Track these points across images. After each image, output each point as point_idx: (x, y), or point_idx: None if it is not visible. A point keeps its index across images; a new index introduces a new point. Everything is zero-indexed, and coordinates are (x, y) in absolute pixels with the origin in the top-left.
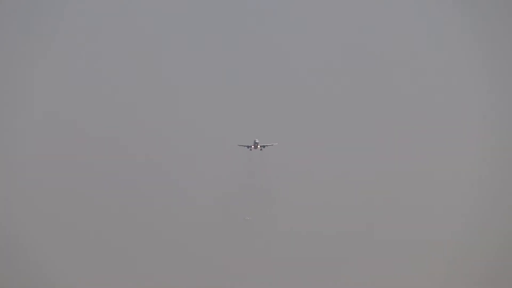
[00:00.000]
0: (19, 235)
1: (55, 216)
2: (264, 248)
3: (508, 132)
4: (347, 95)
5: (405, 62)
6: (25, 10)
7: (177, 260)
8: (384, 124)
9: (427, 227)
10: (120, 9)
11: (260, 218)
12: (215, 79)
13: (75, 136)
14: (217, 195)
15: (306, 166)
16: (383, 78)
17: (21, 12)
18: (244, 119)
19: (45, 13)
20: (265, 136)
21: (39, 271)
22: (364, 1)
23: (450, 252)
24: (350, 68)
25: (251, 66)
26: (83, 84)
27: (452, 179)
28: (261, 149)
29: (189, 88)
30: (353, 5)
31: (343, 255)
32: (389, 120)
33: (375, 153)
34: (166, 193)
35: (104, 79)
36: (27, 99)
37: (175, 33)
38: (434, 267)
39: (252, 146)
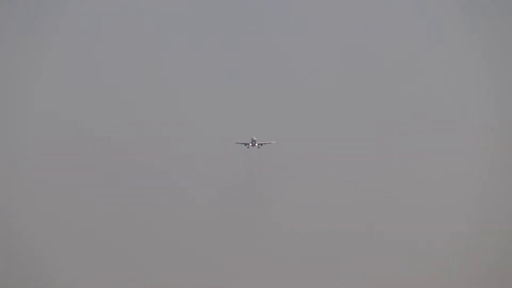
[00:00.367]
0: (19, 235)
1: (55, 216)
2: (263, 248)
3: (508, 132)
4: (347, 95)
5: (405, 62)
6: (25, 10)
7: (177, 260)
8: (383, 123)
9: (426, 227)
10: (120, 9)
11: (259, 217)
12: (215, 79)
13: (75, 136)
14: (217, 195)
15: (306, 166)
16: (383, 78)
17: (21, 12)
18: (244, 119)
19: (45, 13)
20: (265, 135)
21: (39, 270)
22: (364, 1)
23: (450, 252)
24: (350, 68)
25: (251, 66)
26: (83, 84)
27: (452, 179)
28: (258, 147)
29: (189, 88)
30: (353, 5)
31: (343, 255)
32: (389, 120)
33: (375, 152)
34: (166, 193)
35: (104, 79)
36: (27, 99)
37: (175, 33)
38: (434, 267)
39: (250, 144)
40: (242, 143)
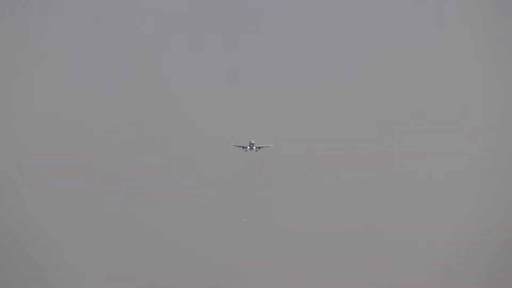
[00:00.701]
0: (19, 234)
1: (55, 216)
2: (263, 248)
3: (509, 132)
4: (346, 95)
5: (405, 62)
6: (25, 10)
7: (177, 260)
8: (383, 124)
9: (426, 227)
10: (120, 9)
11: (259, 218)
12: (215, 79)
13: (75, 136)
14: (217, 195)
15: (306, 166)
16: (383, 78)
17: (21, 12)
18: (244, 119)
19: (45, 13)
20: (265, 135)
21: (39, 270)
22: (364, 1)
23: (450, 252)
24: (350, 68)
25: (251, 66)
26: (83, 84)
27: (452, 179)
28: (256, 150)
29: (189, 88)
30: (353, 5)
31: (343, 255)
32: (389, 120)
33: (375, 153)
34: (165, 193)
35: (104, 79)
36: (27, 99)
37: (175, 33)
38: (434, 267)
39: (248, 147)
40: (240, 146)
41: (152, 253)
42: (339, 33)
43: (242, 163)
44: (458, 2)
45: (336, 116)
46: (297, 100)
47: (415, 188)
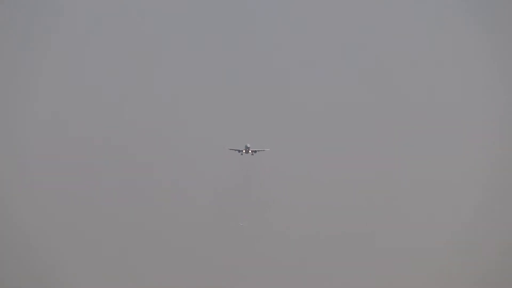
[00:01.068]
0: (18, 234)
1: (55, 216)
2: (263, 248)
3: (509, 132)
4: (346, 95)
5: (405, 62)
6: (25, 10)
7: (176, 260)
8: (383, 124)
9: (427, 227)
10: (120, 9)
11: (259, 219)
12: (215, 79)
13: (75, 136)
14: (216, 195)
15: (305, 167)
16: (383, 78)
17: (21, 12)
18: (244, 119)
19: (45, 13)
20: (265, 135)
21: (38, 270)
22: (364, 1)
23: (450, 253)
24: (350, 68)
25: (251, 66)
26: (83, 84)
27: (452, 179)
28: (252, 154)
29: (189, 88)
30: (353, 5)
31: (342, 256)
32: (389, 120)
33: (374, 153)
34: (165, 193)
35: (104, 79)
36: (26, 99)
37: (175, 33)
38: (434, 268)
39: (243, 151)
40: (236, 150)
41: (152, 253)
42: (339, 33)
43: (242, 164)
44: (458, 2)
45: (336, 117)
46: (296, 100)
47: (415, 188)
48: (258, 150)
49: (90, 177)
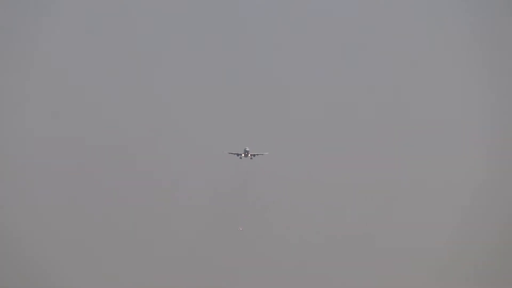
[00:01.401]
0: (17, 236)
1: (55, 216)
2: (263, 248)
3: (509, 132)
4: (346, 95)
5: (405, 62)
6: (25, 10)
7: (176, 260)
8: (383, 125)
9: (427, 228)
10: (120, 9)
11: (258, 220)
12: (215, 79)
13: (75, 136)
14: (216, 197)
15: (305, 168)
16: (383, 78)
17: (21, 12)
18: (244, 119)
19: (45, 13)
20: (264, 135)
21: (38, 272)
22: (364, 1)
23: (450, 253)
24: (350, 68)
25: (251, 66)
26: (83, 84)
27: (452, 180)
28: (251, 158)
29: (189, 88)
30: (353, 5)
31: (343, 256)
32: (389, 120)
33: (374, 154)
34: (165, 193)
35: (103, 79)
36: (26, 99)
37: (175, 33)
38: (434, 267)
39: (242, 155)
40: (235, 154)
41: (151, 253)
42: (339, 33)
43: (241, 165)
44: (458, 2)
45: (335, 117)
46: (296, 100)
47: (415, 189)
48: (257, 154)
49: (89, 177)
